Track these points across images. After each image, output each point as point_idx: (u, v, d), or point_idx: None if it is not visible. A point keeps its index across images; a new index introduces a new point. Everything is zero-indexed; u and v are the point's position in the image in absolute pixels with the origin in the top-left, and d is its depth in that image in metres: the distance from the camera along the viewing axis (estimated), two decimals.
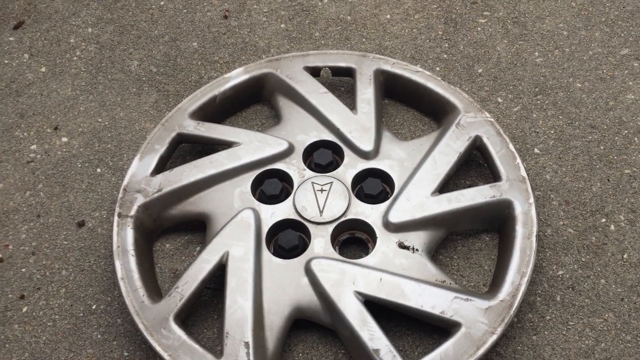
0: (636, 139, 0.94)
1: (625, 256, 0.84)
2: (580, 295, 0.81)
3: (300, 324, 0.79)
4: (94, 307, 0.83)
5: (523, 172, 0.85)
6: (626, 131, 0.95)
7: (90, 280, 0.85)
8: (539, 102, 0.99)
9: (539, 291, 0.82)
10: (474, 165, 0.92)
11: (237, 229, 0.81)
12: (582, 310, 0.80)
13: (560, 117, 0.97)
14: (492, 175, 0.88)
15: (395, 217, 0.82)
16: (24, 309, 0.83)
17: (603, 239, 0.85)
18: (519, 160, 0.86)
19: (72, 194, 0.92)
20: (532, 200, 0.83)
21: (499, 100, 0.99)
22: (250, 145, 0.89)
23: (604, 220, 0.87)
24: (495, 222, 0.85)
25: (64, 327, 0.81)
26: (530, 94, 1.00)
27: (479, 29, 1.08)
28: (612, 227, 0.86)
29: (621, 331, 0.78)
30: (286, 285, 0.78)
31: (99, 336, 0.81)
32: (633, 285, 0.81)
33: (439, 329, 0.77)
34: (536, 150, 0.94)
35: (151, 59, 1.06)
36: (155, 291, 0.81)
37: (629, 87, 0.99)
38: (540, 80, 1.01)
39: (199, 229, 0.87)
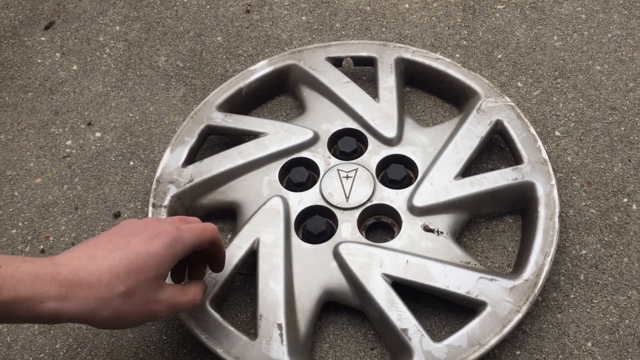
0: None
1: None
2: (604, 274, 0.83)
3: (330, 306, 0.82)
4: None
5: (544, 155, 0.87)
6: None
7: None
8: (558, 85, 1.00)
9: (563, 271, 0.84)
10: (496, 149, 0.94)
11: (266, 216, 0.84)
12: (606, 288, 0.82)
13: (580, 99, 0.98)
14: (513, 158, 0.89)
15: (419, 201, 0.84)
16: None
17: (625, 218, 0.87)
18: (540, 143, 0.88)
19: (107, 187, 0.96)
20: (554, 182, 0.84)
21: (519, 84, 1.01)
22: (276, 135, 0.92)
23: (625, 200, 0.88)
24: (518, 204, 0.87)
25: None
26: (550, 77, 1.01)
27: (497, 15, 1.09)
28: (634, 207, 0.88)
29: None
30: (315, 269, 0.81)
31: None
32: None
33: (465, 309, 0.80)
34: (557, 133, 0.95)
35: (177, 54, 1.10)
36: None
37: None
38: (559, 64, 1.02)
39: (229, 217, 0.90)
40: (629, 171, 0.91)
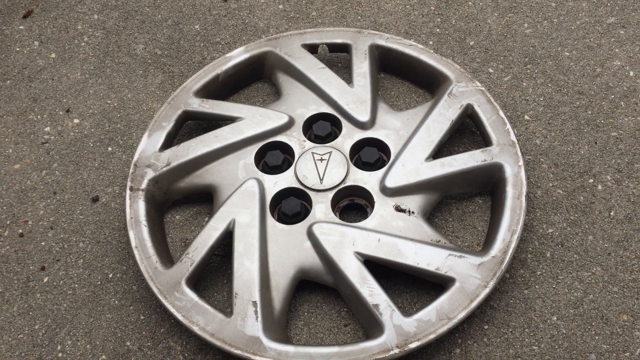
0: (622, 103, 0.98)
1: (612, 214, 0.88)
2: (569, 251, 0.86)
3: (305, 285, 0.84)
4: (110, 275, 0.88)
5: (513, 137, 0.89)
6: (612, 96, 0.99)
7: (106, 251, 0.90)
8: (528, 71, 1.03)
9: (530, 249, 0.86)
10: (467, 133, 0.97)
11: (242, 197, 0.86)
12: (571, 265, 0.85)
13: (549, 84, 1.01)
14: (483, 140, 0.92)
15: (391, 182, 0.86)
16: (45, 279, 0.88)
17: (591, 198, 0.90)
18: (508, 125, 0.90)
19: (85, 172, 0.97)
20: (521, 163, 0.87)
21: (490, 70, 1.03)
22: (252, 119, 0.93)
23: (591, 180, 0.91)
24: (487, 185, 0.90)
25: (83, 294, 0.87)
26: (520, 63, 1.04)
27: (470, 3, 1.12)
28: (600, 187, 0.91)
29: (608, 283, 0.83)
30: (290, 249, 0.83)
31: (116, 302, 0.86)
32: (620, 241, 0.86)
33: (435, 286, 0.82)
34: (526, 117, 0.98)
35: (156, 42, 1.11)
36: (168, 258, 0.86)
37: (615, 54, 1.03)
38: (529, 51, 1.05)
39: (206, 200, 0.92)
40: (594, 153, 0.94)
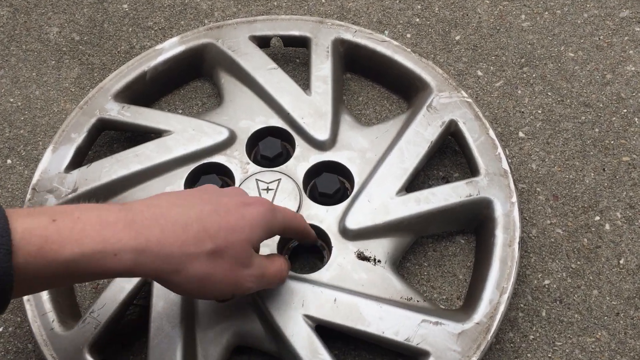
0: (636, 119, 0.81)
1: (621, 262, 0.72)
2: (569, 310, 0.70)
3: (243, 348, 0.67)
4: (0, 329, 0.70)
5: (505, 165, 0.72)
6: (625, 110, 0.82)
7: None
8: (525, 75, 0.85)
9: (522, 305, 0.70)
10: (449, 152, 0.79)
11: None
12: (571, 327, 0.69)
13: (549, 93, 0.84)
14: (469, 168, 0.75)
15: (353, 223, 0.69)
16: None
17: (597, 241, 0.74)
18: (500, 150, 0.73)
19: None
20: (514, 198, 0.70)
21: (479, 73, 0.85)
22: (183, 134, 0.75)
23: (597, 218, 0.75)
24: (472, 223, 0.73)
25: None
26: (515, 65, 0.86)
27: None
28: (607, 227, 0.74)
29: (616, 352, 0.67)
30: (224, 307, 0.66)
31: None
32: (630, 297, 0.70)
33: (405, 355, 0.66)
34: (521, 134, 0.81)
35: (73, 24, 0.91)
36: (71, 314, 0.68)
37: (629, 57, 0.86)
38: (527, 49, 0.87)
39: None
40: (602, 183, 0.77)
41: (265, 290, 0.65)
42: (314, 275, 0.67)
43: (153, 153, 0.73)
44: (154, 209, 0.48)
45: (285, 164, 0.74)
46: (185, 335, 0.64)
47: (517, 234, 0.68)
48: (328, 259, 0.68)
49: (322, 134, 0.74)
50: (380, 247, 0.69)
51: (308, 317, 0.64)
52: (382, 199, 0.70)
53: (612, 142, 0.80)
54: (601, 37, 0.88)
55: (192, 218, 0.49)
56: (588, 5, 0.90)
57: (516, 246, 0.68)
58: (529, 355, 0.68)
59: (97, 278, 0.47)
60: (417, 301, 0.67)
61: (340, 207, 0.71)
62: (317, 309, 0.64)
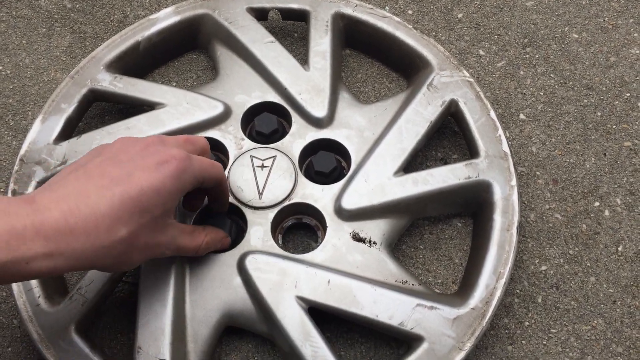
0: (639, 103, 0.79)
1: (620, 249, 0.71)
2: (566, 297, 0.69)
3: (234, 329, 0.66)
4: None
5: (505, 147, 0.71)
6: (628, 94, 0.80)
7: None
8: (527, 56, 0.83)
9: (518, 291, 0.69)
10: (448, 133, 0.77)
11: None
12: (567, 314, 0.68)
13: (552, 75, 0.82)
14: (468, 149, 0.73)
15: (349, 203, 0.67)
16: None
17: (595, 227, 0.72)
18: (500, 131, 0.71)
19: None
20: (514, 182, 0.69)
21: (481, 52, 0.83)
22: (177, 107, 0.73)
23: (597, 203, 0.74)
24: (470, 206, 0.71)
25: None
26: (517, 45, 0.84)
27: None
28: (607, 213, 0.73)
29: (611, 341, 0.67)
30: (215, 286, 0.64)
31: None
32: (628, 285, 0.69)
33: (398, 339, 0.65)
34: (522, 116, 0.79)
35: None
36: (58, 290, 0.67)
37: (633, 40, 0.84)
38: (530, 29, 0.85)
39: None
40: (603, 168, 0.76)
41: (258, 271, 0.64)
42: (307, 256, 0.66)
43: (145, 126, 0.71)
44: (63, 205, 0.47)
45: (281, 141, 0.72)
46: (174, 314, 0.62)
47: (516, 218, 0.67)
48: (322, 239, 0.67)
49: (320, 111, 0.72)
50: (376, 229, 0.67)
51: (301, 299, 0.63)
52: (379, 179, 0.68)
53: (614, 126, 0.78)
54: (606, 19, 0.86)
55: (102, 211, 0.48)
56: None
57: (514, 231, 0.66)
58: (523, 342, 0.67)
59: (22, 280, 0.47)
60: (412, 285, 0.65)
61: (337, 187, 0.69)
62: (311, 291, 0.63)
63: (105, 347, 0.66)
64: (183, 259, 0.65)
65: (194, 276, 0.65)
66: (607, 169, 0.76)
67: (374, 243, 0.67)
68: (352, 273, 0.65)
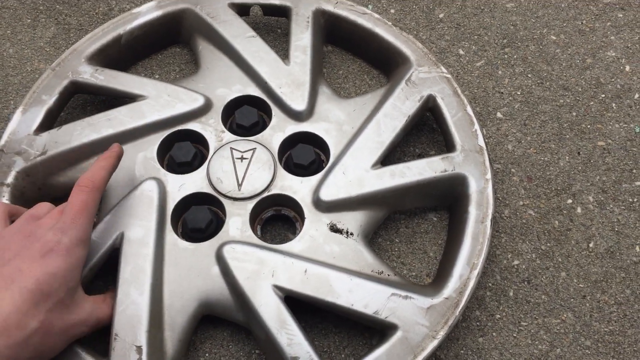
0: (614, 104, 0.81)
1: (591, 245, 0.73)
2: (537, 291, 0.70)
3: (209, 317, 0.67)
4: None
5: (481, 142, 0.72)
6: (603, 95, 0.82)
7: None
8: (506, 56, 0.85)
9: (490, 284, 0.71)
10: (426, 130, 0.79)
11: (136, 204, 0.67)
12: (538, 308, 0.69)
13: (529, 75, 0.83)
14: (445, 143, 0.74)
15: (327, 195, 0.68)
16: None
17: (567, 223, 0.74)
18: (477, 126, 0.73)
19: None
20: (489, 175, 0.70)
21: (461, 52, 0.85)
22: (158, 99, 0.73)
23: (570, 201, 0.75)
24: (446, 200, 0.73)
25: None
26: (497, 46, 0.85)
27: None
28: (579, 210, 0.75)
29: (580, 335, 0.68)
30: (193, 276, 0.65)
31: None
32: (597, 281, 0.71)
33: (372, 327, 0.66)
34: (499, 115, 0.81)
35: None
36: None
37: (610, 43, 0.86)
38: (509, 30, 0.87)
39: None
40: (576, 166, 0.77)
41: (235, 260, 0.64)
42: (285, 246, 0.67)
43: (126, 118, 0.72)
44: None
45: (261, 134, 0.73)
46: (152, 303, 0.63)
47: (490, 210, 0.68)
48: (300, 230, 0.68)
49: (299, 105, 0.73)
50: (353, 220, 0.68)
51: (278, 288, 0.64)
52: (357, 172, 0.69)
53: (588, 126, 0.80)
54: (584, 22, 0.88)
55: (7, 311, 0.50)
56: None
57: (488, 223, 0.68)
58: (494, 334, 0.68)
59: None
60: (388, 275, 0.66)
61: (315, 179, 0.70)
62: (288, 280, 0.64)
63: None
64: (161, 249, 0.65)
65: (172, 265, 0.65)
66: (580, 168, 0.77)
67: (351, 234, 0.68)
68: (329, 263, 0.66)
